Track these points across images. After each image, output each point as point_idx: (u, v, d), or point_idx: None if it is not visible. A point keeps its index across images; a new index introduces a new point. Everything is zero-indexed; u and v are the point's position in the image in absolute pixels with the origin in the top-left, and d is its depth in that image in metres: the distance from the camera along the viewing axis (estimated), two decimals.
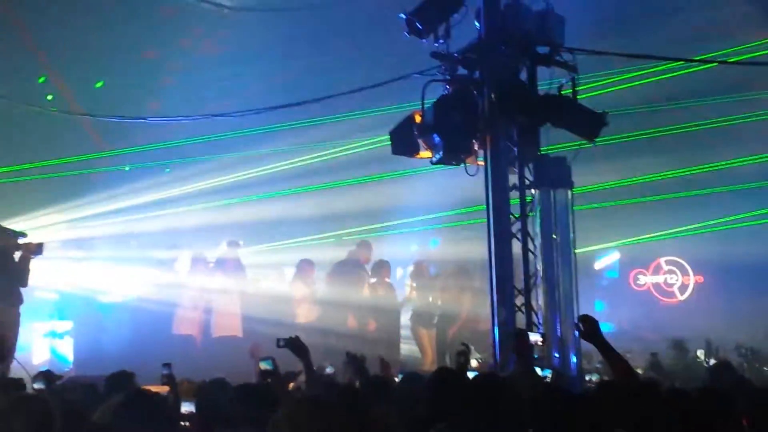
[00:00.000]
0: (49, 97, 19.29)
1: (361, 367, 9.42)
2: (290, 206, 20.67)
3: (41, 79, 20.24)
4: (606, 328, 19.05)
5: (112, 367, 9.65)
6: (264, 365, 8.81)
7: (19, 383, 9.47)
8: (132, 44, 20.07)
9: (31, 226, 15.77)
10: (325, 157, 21.06)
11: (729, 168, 20.97)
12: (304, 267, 17.46)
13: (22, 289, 14.08)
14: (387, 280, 17.40)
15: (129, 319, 17.47)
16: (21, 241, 14.08)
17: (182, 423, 8.08)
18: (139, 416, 5.46)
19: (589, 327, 7.28)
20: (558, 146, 12.41)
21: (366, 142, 19.84)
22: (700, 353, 16.00)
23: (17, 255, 13.91)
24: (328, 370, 11.63)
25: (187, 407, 8.32)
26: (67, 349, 17.94)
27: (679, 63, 18.03)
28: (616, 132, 16.68)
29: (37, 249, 14.04)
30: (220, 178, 20.64)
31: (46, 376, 9.47)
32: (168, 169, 21.16)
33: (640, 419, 5.84)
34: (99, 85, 20.77)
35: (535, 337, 10.36)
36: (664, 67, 19.15)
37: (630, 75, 20.07)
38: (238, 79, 20.32)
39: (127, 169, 21.19)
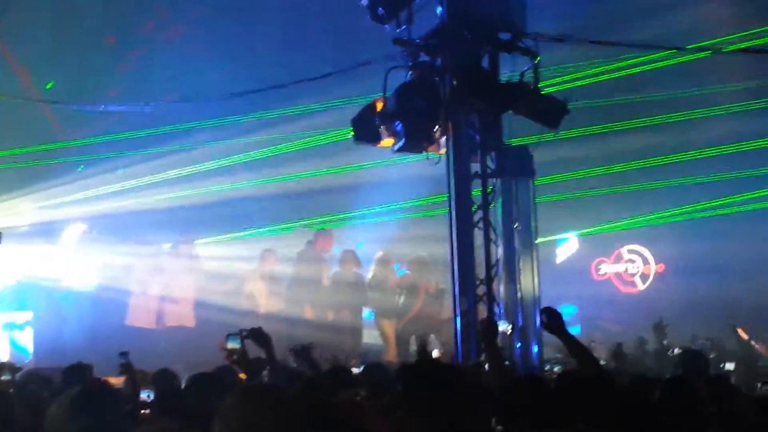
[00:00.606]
0: None
1: (310, 359, 9.23)
2: (249, 197, 20.56)
3: None
4: (575, 330, 19.14)
5: (72, 359, 9.59)
6: (231, 344, 8.13)
7: None
8: (90, 31, 19.89)
9: None
10: (286, 149, 20.90)
11: (691, 158, 21.04)
12: (266, 257, 17.44)
13: None
14: (354, 270, 17.30)
15: (89, 309, 17.37)
16: None
17: (142, 411, 8.00)
18: (94, 409, 5.34)
19: (553, 319, 7.26)
20: (521, 139, 12.31)
21: (329, 133, 19.70)
22: (665, 343, 16.02)
23: None
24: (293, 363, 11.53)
25: (144, 395, 8.26)
26: (26, 340, 17.77)
27: (644, 55, 18.04)
28: (582, 123, 16.69)
29: None
30: (178, 168, 20.43)
31: (10, 367, 9.40)
32: (81, 167, 20.84)
33: (600, 409, 5.81)
34: (49, 86, 20.51)
35: (504, 327, 10.32)
36: (631, 60, 19.19)
37: (596, 69, 20.04)
38: (198, 69, 20.12)
39: (80, 168, 20.87)
